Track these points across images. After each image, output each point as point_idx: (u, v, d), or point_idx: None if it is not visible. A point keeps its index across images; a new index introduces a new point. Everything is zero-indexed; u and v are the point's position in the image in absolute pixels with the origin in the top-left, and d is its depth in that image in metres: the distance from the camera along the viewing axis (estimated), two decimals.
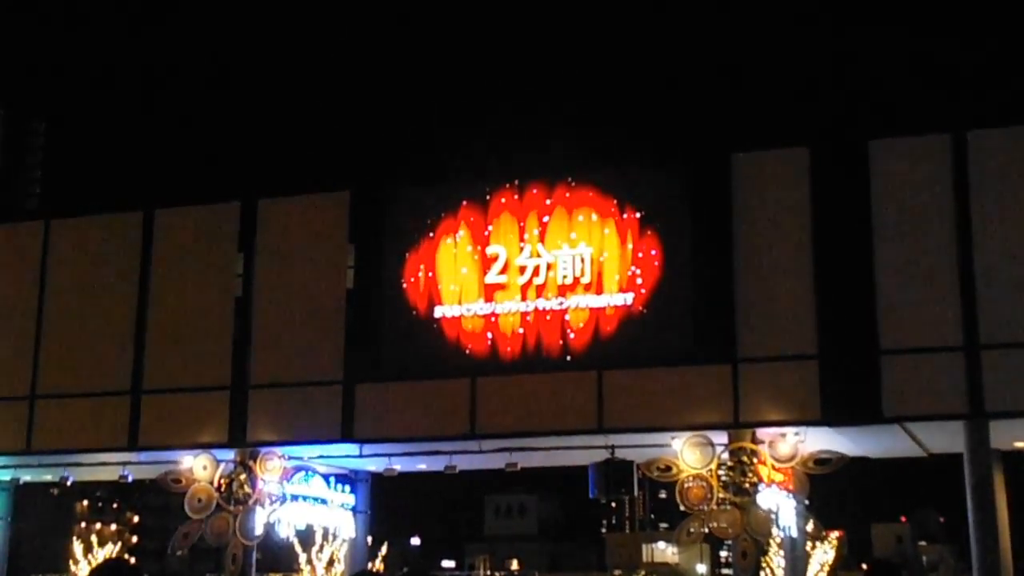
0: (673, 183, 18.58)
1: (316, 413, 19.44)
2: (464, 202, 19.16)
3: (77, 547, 44.32)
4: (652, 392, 18.02)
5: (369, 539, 25.21)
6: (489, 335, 18.62)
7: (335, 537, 24.33)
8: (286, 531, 20.65)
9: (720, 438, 17.75)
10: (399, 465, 20.80)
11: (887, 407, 17.08)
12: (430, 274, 19.09)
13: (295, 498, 20.51)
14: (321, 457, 21.03)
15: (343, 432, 19.26)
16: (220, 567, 26.49)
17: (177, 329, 20.40)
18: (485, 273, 18.86)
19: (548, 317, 18.42)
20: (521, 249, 18.79)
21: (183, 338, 20.33)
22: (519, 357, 18.44)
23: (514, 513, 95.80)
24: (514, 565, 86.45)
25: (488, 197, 19.11)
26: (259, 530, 19.97)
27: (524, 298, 18.59)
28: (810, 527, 21.25)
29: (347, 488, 22.21)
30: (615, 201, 18.52)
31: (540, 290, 18.56)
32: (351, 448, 19.98)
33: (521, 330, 18.50)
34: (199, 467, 20.07)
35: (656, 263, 18.15)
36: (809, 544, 28.91)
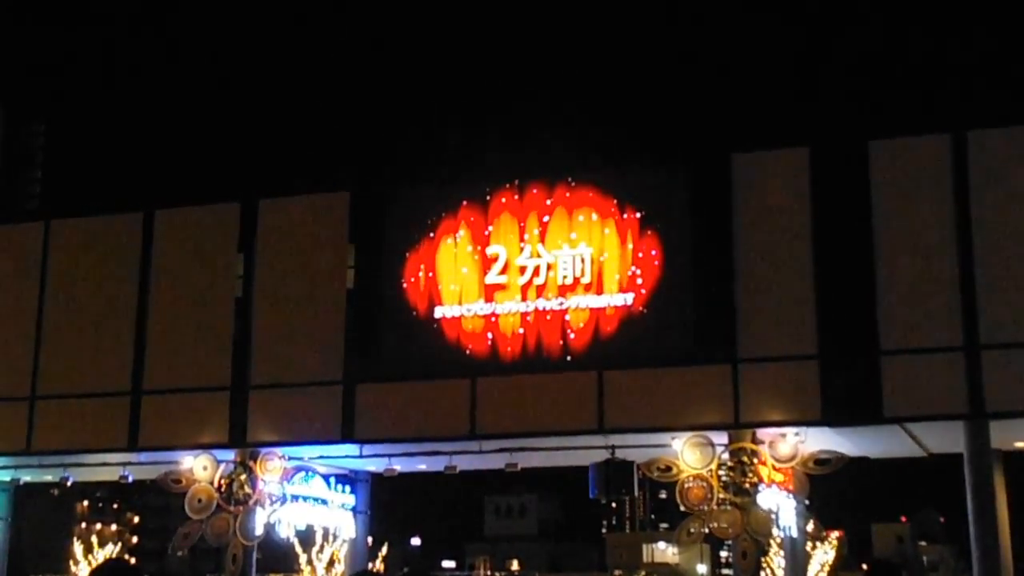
0: (673, 183, 18.58)
1: (316, 413, 19.44)
2: (464, 202, 19.16)
3: (77, 547, 44.35)
4: (652, 392, 18.02)
5: (369, 539, 25.21)
6: (489, 335, 18.62)
7: (335, 537, 24.32)
8: (286, 531, 20.65)
9: (720, 438, 17.75)
10: (399, 465, 20.79)
11: (887, 407, 17.08)
12: (430, 274, 19.09)
13: (295, 498, 20.51)
14: (321, 457, 21.03)
15: (343, 432, 19.26)
16: (220, 567, 26.48)
17: (177, 329, 20.40)
18: (485, 273, 18.86)
19: (548, 317, 18.42)
20: (521, 249, 18.79)
21: (183, 338, 20.32)
22: (519, 357, 18.44)
23: (514, 513, 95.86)
24: (514, 565, 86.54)
25: (488, 197, 19.10)
26: (259, 530, 19.96)
27: (524, 298, 18.58)
28: (810, 527, 21.26)
29: (347, 488, 22.21)
30: (615, 201, 18.51)
31: (540, 290, 18.56)
32: (351, 448, 19.98)
33: (521, 330, 18.50)
34: (199, 467, 20.08)
35: (656, 263, 18.14)
36: (809, 544, 28.95)
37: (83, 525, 66.12)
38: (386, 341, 19.23)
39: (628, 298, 18.14)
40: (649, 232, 18.27)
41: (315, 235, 20.14)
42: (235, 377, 19.86)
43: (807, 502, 19.40)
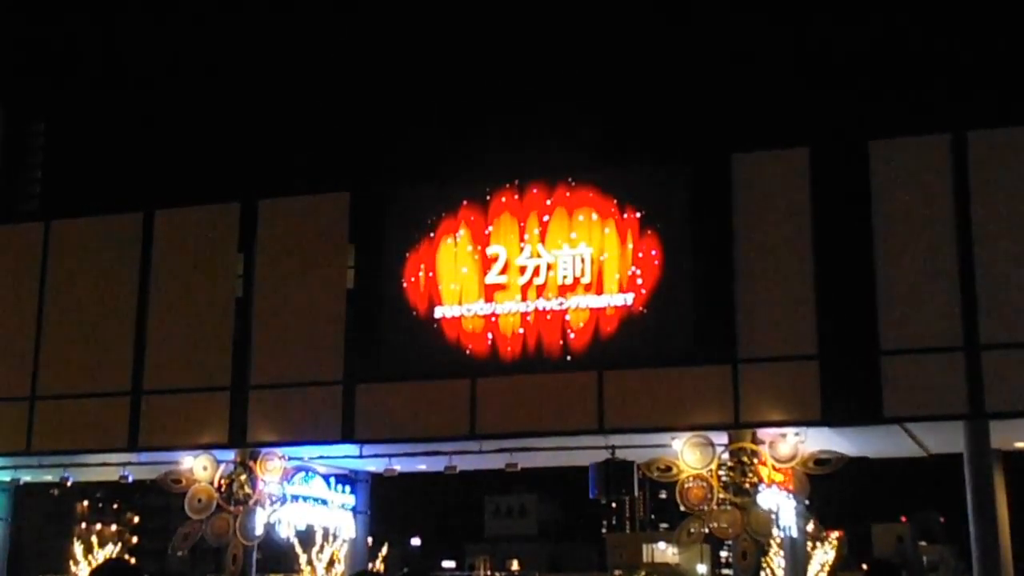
0: (673, 183, 18.58)
1: (316, 413, 19.44)
2: (464, 202, 19.16)
3: (77, 548, 44.28)
4: (652, 392, 18.02)
5: (369, 539, 25.21)
6: (489, 335, 18.62)
7: (335, 537, 24.32)
8: (286, 531, 20.65)
9: (720, 438, 17.75)
10: (399, 465, 20.79)
11: (887, 407, 17.08)
12: (430, 274, 19.09)
13: (295, 498, 20.51)
14: (321, 457, 21.03)
15: (343, 432, 19.26)
16: (220, 568, 26.51)
17: (177, 329, 20.40)
18: (485, 273, 18.86)
19: (548, 317, 18.42)
20: (521, 249, 18.79)
21: (183, 338, 20.33)
22: (519, 357, 18.44)
23: (514, 513, 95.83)
24: (514, 565, 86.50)
25: (488, 197, 19.11)
26: (259, 530, 19.96)
27: (524, 298, 18.58)
28: (810, 527, 21.28)
29: (347, 488, 22.21)
30: (615, 201, 18.51)
31: (540, 290, 18.56)
32: (351, 448, 19.97)
33: (521, 330, 18.50)
34: (199, 467, 20.08)
35: (656, 263, 18.14)
36: (809, 544, 28.94)
37: (83, 525, 66.03)
38: (386, 341, 19.23)
39: (628, 298, 18.14)
40: (649, 232, 18.27)
41: (315, 235, 20.14)
42: (235, 377, 19.86)
43: (807, 502, 19.40)
